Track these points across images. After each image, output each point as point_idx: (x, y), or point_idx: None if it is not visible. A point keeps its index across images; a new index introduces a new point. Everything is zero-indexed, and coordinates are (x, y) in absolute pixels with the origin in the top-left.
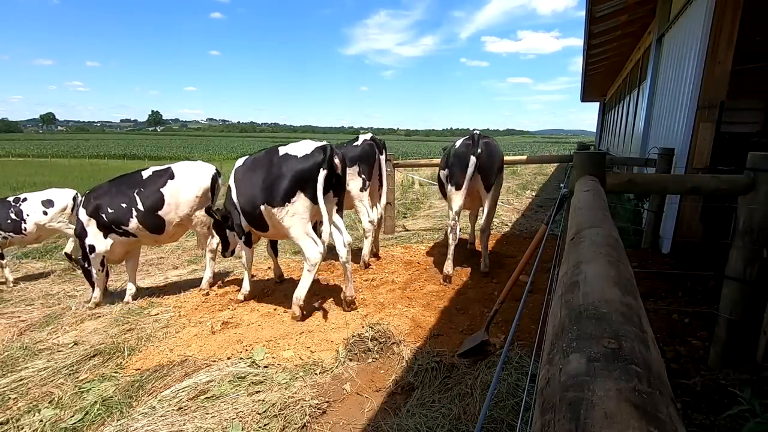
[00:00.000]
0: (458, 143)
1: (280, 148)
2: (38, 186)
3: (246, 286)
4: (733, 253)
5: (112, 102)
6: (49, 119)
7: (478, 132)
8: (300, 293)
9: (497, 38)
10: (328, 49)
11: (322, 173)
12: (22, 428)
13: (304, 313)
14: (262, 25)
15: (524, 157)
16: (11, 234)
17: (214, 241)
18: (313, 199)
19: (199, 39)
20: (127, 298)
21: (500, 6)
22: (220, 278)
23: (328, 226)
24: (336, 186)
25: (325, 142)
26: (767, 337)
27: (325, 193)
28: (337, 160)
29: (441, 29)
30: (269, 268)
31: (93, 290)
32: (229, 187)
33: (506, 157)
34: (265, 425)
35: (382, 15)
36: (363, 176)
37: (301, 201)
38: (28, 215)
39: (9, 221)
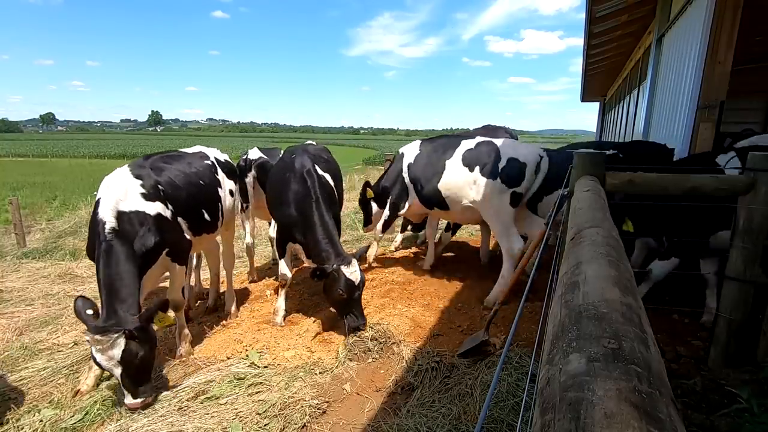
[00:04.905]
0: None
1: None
2: (38, 186)
3: None
4: (733, 253)
5: (112, 102)
6: (49, 119)
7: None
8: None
9: (500, 38)
10: (330, 50)
11: None
12: (22, 428)
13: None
14: (264, 26)
15: None
16: None
17: None
18: None
19: (200, 39)
20: None
21: (504, 7)
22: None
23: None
24: None
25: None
26: (767, 337)
27: None
28: None
29: (444, 30)
30: (269, 268)
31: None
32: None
33: None
34: (265, 425)
35: (386, 17)
36: None
37: None
38: None
39: None
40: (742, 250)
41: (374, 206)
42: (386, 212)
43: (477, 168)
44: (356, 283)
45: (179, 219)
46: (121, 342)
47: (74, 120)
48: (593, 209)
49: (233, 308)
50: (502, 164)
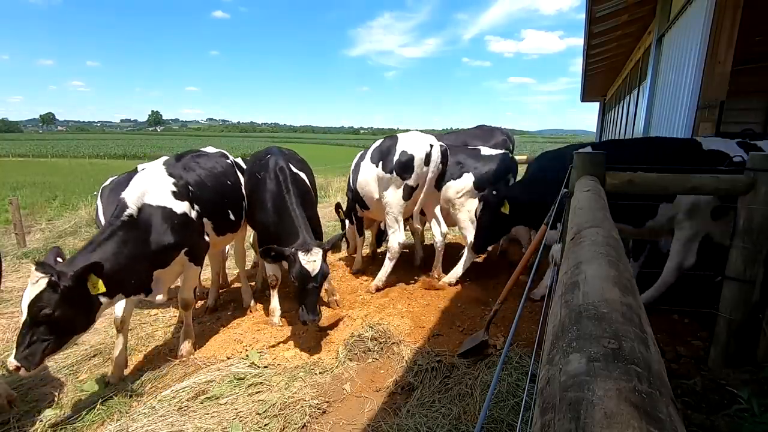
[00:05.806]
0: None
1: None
2: (38, 186)
3: None
4: (733, 253)
5: (112, 102)
6: (49, 119)
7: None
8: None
9: (500, 38)
10: (331, 50)
11: None
12: (22, 428)
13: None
14: (264, 26)
15: (525, 157)
16: None
17: None
18: None
19: (200, 39)
20: None
21: (504, 7)
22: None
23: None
24: None
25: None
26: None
27: None
28: None
29: (444, 31)
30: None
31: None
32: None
33: None
34: (265, 425)
35: (387, 17)
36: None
37: None
38: None
39: None
40: (742, 250)
41: (347, 225)
42: (355, 224)
43: (380, 163)
44: (311, 274)
45: (204, 220)
46: (42, 284)
47: (74, 120)
48: (593, 209)
49: (251, 302)
50: (395, 157)
